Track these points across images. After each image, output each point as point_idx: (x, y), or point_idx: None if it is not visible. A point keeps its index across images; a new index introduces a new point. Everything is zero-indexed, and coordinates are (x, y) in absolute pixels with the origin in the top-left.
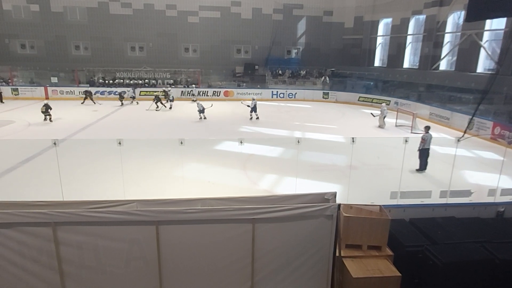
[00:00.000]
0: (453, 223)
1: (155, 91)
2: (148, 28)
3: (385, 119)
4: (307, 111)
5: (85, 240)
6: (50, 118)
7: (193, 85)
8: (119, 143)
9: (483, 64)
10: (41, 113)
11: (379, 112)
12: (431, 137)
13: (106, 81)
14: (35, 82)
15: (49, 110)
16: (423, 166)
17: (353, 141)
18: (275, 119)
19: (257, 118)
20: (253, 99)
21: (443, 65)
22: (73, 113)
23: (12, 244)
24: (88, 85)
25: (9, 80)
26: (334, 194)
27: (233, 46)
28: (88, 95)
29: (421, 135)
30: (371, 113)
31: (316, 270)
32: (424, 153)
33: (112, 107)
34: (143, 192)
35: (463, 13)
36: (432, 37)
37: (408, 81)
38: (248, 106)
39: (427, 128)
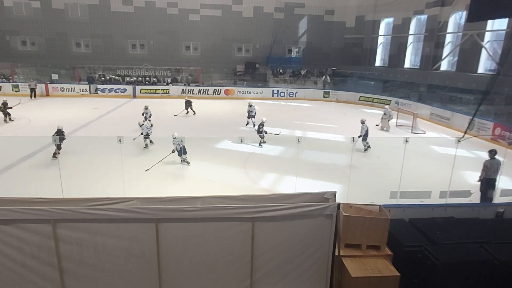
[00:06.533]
0: (453, 223)
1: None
2: (149, 26)
3: (389, 121)
4: (307, 110)
5: (85, 237)
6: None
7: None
8: (120, 141)
9: (484, 64)
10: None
11: (384, 114)
12: (498, 163)
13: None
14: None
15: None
16: (486, 200)
17: (353, 141)
18: (276, 118)
19: None
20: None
21: (444, 65)
22: (74, 110)
23: (11, 240)
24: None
25: (10, 77)
26: (333, 194)
27: (234, 45)
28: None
29: (484, 161)
30: (377, 125)
31: (315, 269)
32: (486, 184)
33: (112, 104)
34: (143, 190)
35: (464, 13)
36: (433, 37)
37: (409, 81)
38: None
39: (492, 153)
